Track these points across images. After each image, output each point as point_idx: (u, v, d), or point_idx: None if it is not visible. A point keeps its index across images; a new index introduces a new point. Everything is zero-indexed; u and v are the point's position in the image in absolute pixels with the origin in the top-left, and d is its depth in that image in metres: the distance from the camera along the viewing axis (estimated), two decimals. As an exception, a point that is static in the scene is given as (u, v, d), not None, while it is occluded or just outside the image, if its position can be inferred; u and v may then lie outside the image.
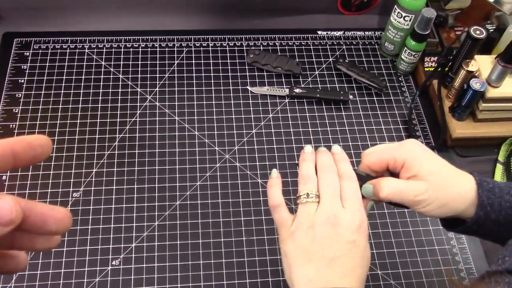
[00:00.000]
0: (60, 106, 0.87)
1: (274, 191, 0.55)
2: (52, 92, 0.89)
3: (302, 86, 0.93)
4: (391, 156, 0.53)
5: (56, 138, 0.83)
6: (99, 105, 0.88)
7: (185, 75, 0.93)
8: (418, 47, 0.91)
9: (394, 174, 0.55)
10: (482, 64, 0.83)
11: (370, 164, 0.55)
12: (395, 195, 0.51)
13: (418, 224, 0.79)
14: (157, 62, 0.94)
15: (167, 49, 0.97)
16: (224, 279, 0.72)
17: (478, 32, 0.81)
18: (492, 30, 0.90)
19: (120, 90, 0.90)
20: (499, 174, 0.85)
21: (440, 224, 0.59)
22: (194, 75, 0.93)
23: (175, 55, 0.96)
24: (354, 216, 0.51)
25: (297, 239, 0.51)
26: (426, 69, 0.94)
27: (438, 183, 0.51)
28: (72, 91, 0.89)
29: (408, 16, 0.90)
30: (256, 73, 0.94)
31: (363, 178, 0.55)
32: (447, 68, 0.89)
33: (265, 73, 0.95)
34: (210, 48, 0.97)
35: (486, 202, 0.51)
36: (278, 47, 0.99)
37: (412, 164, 0.52)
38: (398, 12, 0.91)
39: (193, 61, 0.95)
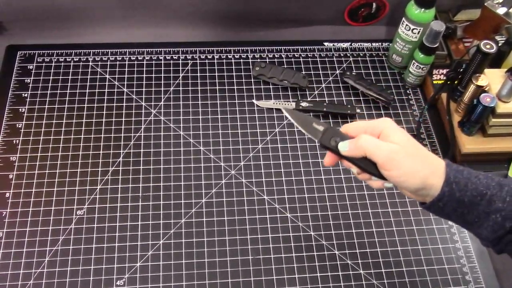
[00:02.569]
0: (64, 121, 0.86)
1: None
2: (56, 106, 0.88)
3: (309, 99, 0.92)
4: (369, 125, 0.56)
5: (60, 153, 0.82)
6: (103, 120, 0.87)
7: (190, 88, 0.92)
8: (426, 60, 0.89)
9: None
10: (492, 79, 0.82)
11: (349, 130, 0.57)
12: (371, 146, 0.53)
13: (427, 242, 0.78)
14: (162, 75, 0.93)
15: (172, 61, 0.96)
16: (230, 300, 0.71)
17: (488, 46, 0.80)
18: (501, 43, 0.88)
19: (124, 104, 0.89)
20: (509, 190, 0.84)
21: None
22: (199, 88, 0.92)
23: (180, 68, 0.95)
24: None
25: None
26: (434, 81, 0.93)
27: (411, 150, 0.53)
28: (76, 106, 0.88)
29: (416, 29, 0.89)
30: (262, 86, 0.93)
31: (342, 136, 0.57)
32: (456, 82, 0.88)
33: (271, 86, 0.93)
34: (215, 61, 0.96)
35: (452, 180, 0.52)
36: (284, 59, 0.97)
37: (388, 133, 0.54)
38: (406, 25, 0.89)
39: (198, 74, 0.94)
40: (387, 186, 0.57)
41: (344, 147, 0.56)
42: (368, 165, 0.55)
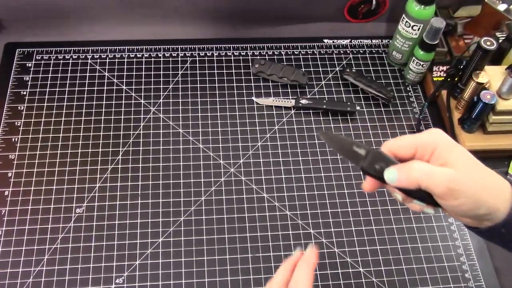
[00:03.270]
0: (63, 119, 0.86)
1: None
2: (55, 104, 0.87)
3: (308, 97, 0.91)
4: (419, 142, 0.48)
5: (58, 151, 0.82)
6: (102, 118, 0.86)
7: (189, 85, 0.92)
8: (426, 57, 0.89)
9: None
10: (493, 76, 0.81)
11: (394, 149, 0.49)
12: (426, 178, 0.45)
13: (427, 240, 0.78)
14: (161, 72, 0.93)
15: (171, 59, 0.95)
16: (229, 298, 0.71)
17: (488, 43, 0.79)
18: (502, 40, 0.88)
19: (123, 102, 0.89)
20: (509, 188, 0.83)
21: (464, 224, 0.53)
22: (198, 85, 0.92)
23: (179, 65, 0.94)
24: None
25: None
26: (434, 78, 0.92)
27: (473, 177, 0.45)
28: (74, 103, 0.88)
29: (417, 26, 0.88)
30: (261, 84, 0.93)
31: (386, 160, 0.49)
32: (456, 79, 0.87)
33: (270, 84, 0.93)
34: (215, 58, 0.96)
35: None
36: (283, 56, 0.97)
37: (442, 151, 0.46)
38: (406, 21, 0.89)
39: (197, 71, 0.94)
40: (427, 212, 0.50)
41: (392, 178, 0.47)
42: (420, 193, 0.48)
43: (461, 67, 0.86)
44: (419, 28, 0.89)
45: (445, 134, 0.48)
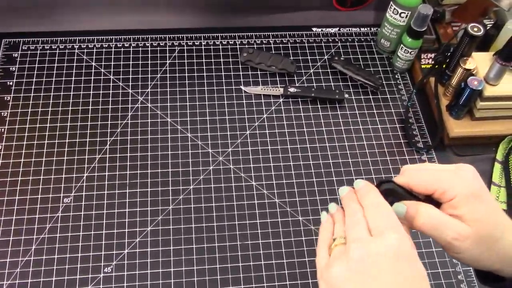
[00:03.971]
0: (50, 109, 0.85)
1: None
2: (42, 94, 0.87)
3: (297, 85, 0.91)
4: (445, 184, 0.45)
5: (46, 142, 0.82)
6: (90, 107, 0.86)
7: (177, 75, 0.91)
8: (414, 44, 0.89)
9: (433, 202, 0.47)
10: (480, 62, 0.82)
11: (414, 183, 0.47)
12: (431, 228, 0.44)
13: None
14: (149, 62, 0.93)
15: (158, 48, 0.95)
16: (218, 285, 0.71)
17: (475, 29, 0.79)
18: (490, 27, 0.88)
19: (111, 91, 0.88)
20: (497, 174, 0.84)
21: (473, 273, 0.53)
22: (186, 75, 0.92)
23: (167, 55, 0.94)
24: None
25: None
26: (422, 66, 0.92)
27: (484, 233, 0.44)
28: (62, 93, 0.87)
29: (404, 13, 0.88)
30: (250, 72, 0.93)
31: (398, 195, 0.47)
32: (444, 66, 0.87)
33: (259, 72, 0.93)
34: (203, 47, 0.96)
35: None
36: (272, 45, 0.97)
37: (462, 203, 0.44)
38: (394, 9, 0.89)
39: (185, 61, 0.93)
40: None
41: (398, 213, 0.45)
42: None
43: (449, 53, 0.86)
44: (407, 15, 0.89)
45: (476, 179, 0.45)
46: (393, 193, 0.47)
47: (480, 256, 0.44)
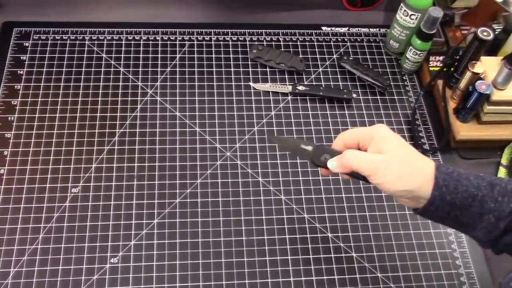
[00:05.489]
0: (60, 99, 0.86)
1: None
2: (52, 84, 0.87)
3: (305, 83, 0.92)
4: (363, 132, 0.57)
5: (55, 131, 0.82)
6: (99, 99, 0.86)
7: (186, 69, 0.92)
8: (423, 46, 0.89)
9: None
10: (488, 66, 0.82)
11: (344, 139, 0.59)
12: (354, 162, 0.55)
13: (419, 227, 0.79)
14: (159, 55, 0.93)
15: (169, 42, 0.95)
16: (223, 279, 0.72)
17: (485, 33, 0.80)
18: (498, 31, 0.89)
19: (120, 83, 0.89)
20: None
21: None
22: (196, 69, 0.92)
23: (177, 49, 0.94)
24: None
25: None
26: (431, 68, 0.93)
27: (397, 158, 0.54)
28: (71, 84, 0.88)
29: (415, 15, 0.89)
30: (259, 69, 0.93)
31: (330, 152, 0.60)
32: (452, 69, 0.88)
33: (268, 69, 0.93)
34: (213, 42, 0.96)
35: (442, 183, 0.52)
36: (281, 42, 0.97)
37: (378, 141, 0.55)
38: (404, 10, 0.89)
39: (195, 55, 0.94)
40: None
41: (332, 166, 0.58)
42: (358, 175, 0.57)
43: (457, 57, 0.86)
44: (416, 18, 0.89)
45: (385, 127, 0.57)
46: (326, 151, 0.60)
47: (398, 176, 0.53)
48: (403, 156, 0.54)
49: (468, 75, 0.82)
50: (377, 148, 0.55)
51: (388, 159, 0.54)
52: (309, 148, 0.61)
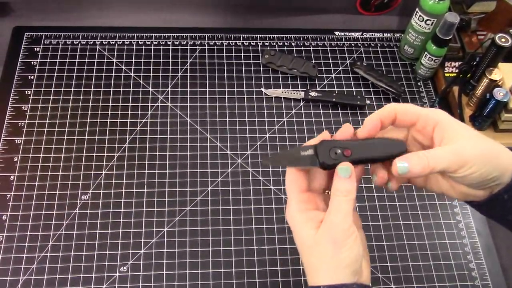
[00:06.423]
0: (70, 105, 0.85)
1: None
2: (62, 89, 0.87)
3: (318, 89, 0.90)
4: (423, 112, 0.47)
5: (65, 137, 0.82)
6: (110, 105, 0.86)
7: (198, 74, 0.91)
8: (439, 52, 0.88)
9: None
10: (506, 73, 0.80)
11: (401, 111, 0.48)
12: (438, 159, 0.45)
13: (434, 237, 0.77)
14: (170, 60, 0.92)
15: (180, 47, 0.94)
16: (233, 290, 0.71)
17: (503, 39, 0.78)
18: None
19: (131, 89, 0.88)
20: (519, 187, 0.82)
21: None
22: (207, 75, 0.91)
23: (188, 54, 0.93)
24: None
25: None
26: (446, 74, 0.91)
27: (478, 144, 0.46)
28: (82, 89, 0.87)
29: (430, 20, 0.87)
30: (271, 75, 0.92)
31: (337, 144, 0.48)
32: (468, 75, 0.86)
33: (280, 75, 0.92)
34: (224, 47, 0.95)
35: None
36: (294, 48, 0.96)
37: (445, 127, 0.46)
38: (420, 16, 0.87)
39: (207, 60, 0.93)
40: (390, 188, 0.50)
41: (404, 169, 0.45)
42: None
43: (474, 63, 0.85)
44: (432, 23, 0.87)
45: (444, 112, 0.48)
46: (333, 144, 0.48)
47: (487, 161, 0.45)
48: (482, 142, 0.46)
49: (485, 82, 0.80)
50: (443, 135, 0.46)
51: (470, 146, 0.45)
52: (310, 151, 0.47)
